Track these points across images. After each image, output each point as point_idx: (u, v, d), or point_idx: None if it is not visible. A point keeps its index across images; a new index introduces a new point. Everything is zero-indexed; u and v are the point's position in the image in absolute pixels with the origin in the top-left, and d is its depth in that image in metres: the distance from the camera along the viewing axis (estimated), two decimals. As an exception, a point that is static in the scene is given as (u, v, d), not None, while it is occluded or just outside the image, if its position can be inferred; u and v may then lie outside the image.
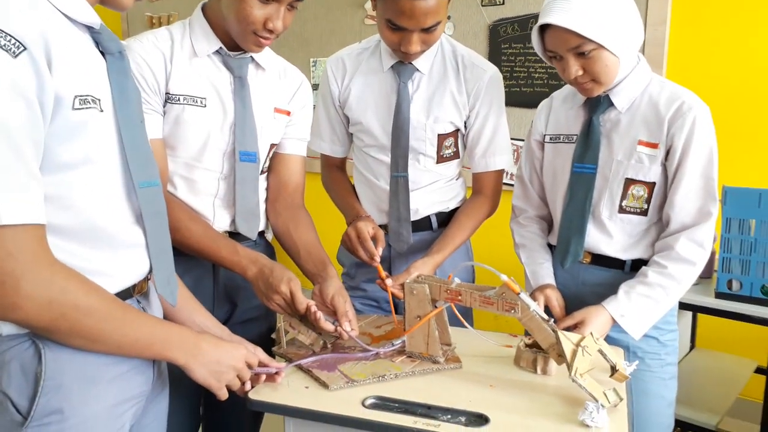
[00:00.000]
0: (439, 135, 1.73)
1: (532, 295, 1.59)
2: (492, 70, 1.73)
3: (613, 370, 1.26)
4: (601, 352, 1.25)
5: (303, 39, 3.63)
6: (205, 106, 1.43)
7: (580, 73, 1.45)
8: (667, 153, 1.48)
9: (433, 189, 1.79)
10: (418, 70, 1.70)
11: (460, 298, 1.33)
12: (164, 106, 1.41)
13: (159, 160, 1.33)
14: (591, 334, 1.27)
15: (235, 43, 1.43)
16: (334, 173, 1.91)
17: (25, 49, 0.82)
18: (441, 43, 1.74)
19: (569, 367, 1.20)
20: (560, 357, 1.24)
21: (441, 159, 1.77)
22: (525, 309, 1.26)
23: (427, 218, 1.80)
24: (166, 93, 1.40)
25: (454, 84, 1.71)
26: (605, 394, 1.18)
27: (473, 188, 1.83)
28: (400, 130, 1.70)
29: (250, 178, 1.50)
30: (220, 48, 1.44)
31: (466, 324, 1.48)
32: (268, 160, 1.58)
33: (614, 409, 1.18)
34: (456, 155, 1.79)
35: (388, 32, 1.57)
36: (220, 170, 1.48)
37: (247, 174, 1.49)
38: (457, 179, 1.86)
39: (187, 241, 1.41)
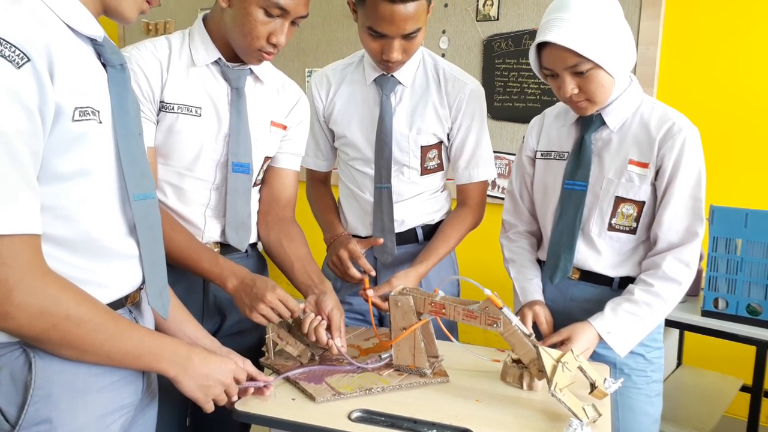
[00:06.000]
0: (422, 147, 1.76)
1: (521, 311, 1.61)
2: (473, 83, 1.76)
3: (593, 387, 1.27)
4: (581, 368, 1.27)
5: (299, 49, 3.65)
6: (200, 115, 1.43)
7: (576, 91, 1.46)
8: (657, 173, 1.50)
9: (418, 201, 1.81)
10: (400, 82, 1.73)
11: (443, 311, 1.34)
12: (158, 115, 1.41)
13: None
14: (572, 351, 1.28)
15: (234, 54, 1.43)
16: (318, 187, 1.93)
17: (28, 60, 0.83)
18: (423, 56, 1.77)
19: (549, 381, 1.21)
20: (540, 372, 1.26)
21: (425, 171, 1.79)
22: (507, 324, 1.27)
23: (413, 230, 1.82)
24: (161, 101, 1.40)
25: (436, 97, 1.74)
26: (584, 410, 1.19)
27: (458, 200, 1.85)
28: (383, 142, 1.72)
29: (243, 189, 1.50)
30: (219, 59, 1.45)
31: (452, 338, 1.49)
32: (262, 172, 1.58)
33: (599, 426, 1.19)
34: (440, 167, 1.81)
35: (370, 40, 1.59)
36: (212, 180, 1.48)
37: (239, 185, 1.49)
38: (441, 191, 1.88)
39: (169, 251, 1.40)
